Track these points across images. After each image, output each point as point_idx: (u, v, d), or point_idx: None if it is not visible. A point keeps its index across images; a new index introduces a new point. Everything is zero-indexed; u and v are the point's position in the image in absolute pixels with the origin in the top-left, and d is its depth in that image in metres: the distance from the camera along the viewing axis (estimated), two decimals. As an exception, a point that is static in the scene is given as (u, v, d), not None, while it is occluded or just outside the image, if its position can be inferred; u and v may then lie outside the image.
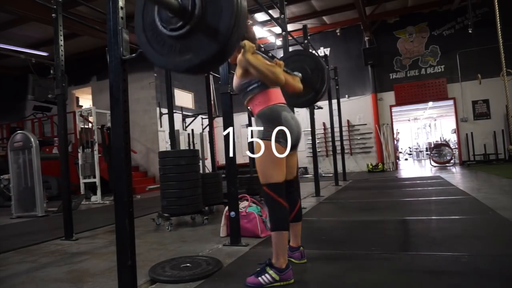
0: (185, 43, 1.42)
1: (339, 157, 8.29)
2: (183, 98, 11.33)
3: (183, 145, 9.25)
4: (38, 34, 9.83)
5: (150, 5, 1.53)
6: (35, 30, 9.42)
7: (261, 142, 2.01)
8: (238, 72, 2.13)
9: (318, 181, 5.84)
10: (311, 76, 2.82)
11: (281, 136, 2.00)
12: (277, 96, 2.13)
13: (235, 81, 2.18)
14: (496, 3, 3.42)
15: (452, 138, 16.14)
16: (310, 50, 6.14)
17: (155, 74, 9.83)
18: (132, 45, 1.80)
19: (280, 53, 6.01)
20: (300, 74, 2.74)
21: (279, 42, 9.94)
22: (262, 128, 2.04)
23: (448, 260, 2.18)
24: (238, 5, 1.33)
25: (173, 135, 5.43)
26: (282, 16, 4.72)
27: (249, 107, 2.18)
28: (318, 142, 11.16)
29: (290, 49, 5.25)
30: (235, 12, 1.32)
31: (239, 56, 2.02)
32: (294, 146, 2.13)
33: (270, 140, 1.99)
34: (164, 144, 9.95)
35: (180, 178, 3.86)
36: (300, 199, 2.33)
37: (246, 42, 1.96)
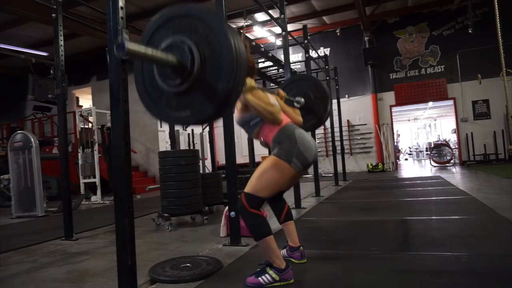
0: (183, 100, 1.40)
1: (339, 157, 8.30)
2: (183, 98, 11.30)
3: (183, 145, 9.24)
4: (38, 34, 9.83)
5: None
6: (35, 30, 9.42)
7: (272, 158, 1.98)
8: (238, 106, 2.12)
9: (318, 181, 5.84)
10: (314, 103, 2.82)
11: (296, 157, 1.94)
12: (285, 117, 2.12)
13: (237, 115, 2.17)
14: (496, 3, 3.42)
15: (452, 138, 16.14)
16: (310, 50, 6.14)
17: (155, 74, 9.80)
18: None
19: (280, 53, 6.01)
20: (302, 100, 2.74)
21: (279, 42, 9.93)
22: (276, 148, 2.00)
23: (448, 260, 2.18)
24: (238, 64, 1.30)
25: (173, 135, 5.44)
26: (282, 16, 4.72)
27: (261, 139, 2.14)
28: (318, 142, 11.16)
29: (290, 49, 5.26)
30: (234, 72, 1.29)
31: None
32: (310, 165, 2.06)
33: (281, 158, 1.94)
34: (164, 144, 9.95)
35: (180, 178, 3.86)
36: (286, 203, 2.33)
37: (247, 80, 1.91)
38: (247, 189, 1.95)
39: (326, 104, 2.86)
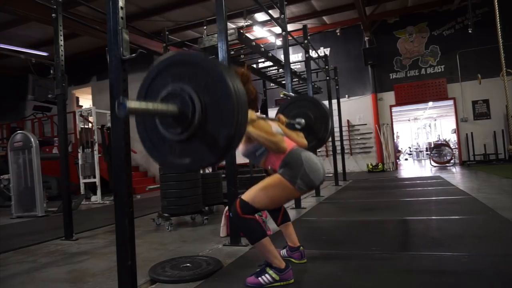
0: (184, 147, 1.41)
1: (339, 157, 8.29)
2: (183, 98, 11.31)
3: (183, 145, 9.23)
4: (38, 34, 9.84)
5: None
6: (35, 30, 9.43)
7: (277, 176, 1.96)
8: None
9: (318, 181, 5.83)
10: (314, 124, 2.81)
11: (301, 178, 1.92)
12: (291, 142, 2.10)
13: (241, 147, 2.15)
14: (496, 3, 3.42)
15: (452, 138, 16.14)
16: (310, 50, 6.14)
17: (155, 74, 9.80)
18: (132, 45, 1.79)
19: (280, 53, 6.01)
20: (303, 121, 2.73)
21: (279, 42, 9.93)
22: (283, 170, 1.98)
23: (448, 260, 2.18)
24: (239, 110, 1.31)
25: (173, 135, 5.43)
26: (282, 16, 4.72)
27: (269, 167, 2.12)
28: (318, 142, 11.14)
29: (290, 49, 5.25)
30: (236, 118, 1.30)
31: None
32: (317, 187, 2.06)
33: (286, 178, 1.93)
34: (164, 144, 9.93)
35: (180, 178, 3.86)
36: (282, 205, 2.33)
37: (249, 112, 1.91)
38: (245, 196, 1.95)
39: (327, 123, 2.84)
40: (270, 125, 2.11)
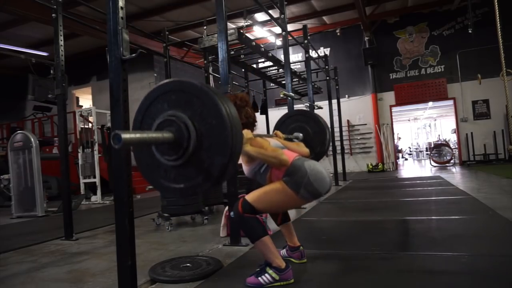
0: (179, 173, 1.43)
1: (339, 157, 8.30)
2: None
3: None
4: (38, 34, 9.83)
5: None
6: (35, 30, 9.43)
7: (281, 183, 1.95)
8: (243, 160, 2.12)
9: (318, 181, 5.83)
10: (313, 138, 2.81)
11: (304, 187, 1.90)
12: (292, 153, 2.08)
13: (245, 169, 2.17)
14: (496, 3, 3.41)
15: (452, 138, 16.14)
16: (310, 50, 6.14)
17: (155, 74, 9.83)
18: (132, 45, 1.79)
19: (280, 53, 6.01)
20: (301, 135, 2.74)
21: (279, 42, 9.93)
22: (289, 177, 1.96)
23: (448, 260, 2.18)
24: (234, 139, 1.33)
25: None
26: (282, 16, 4.72)
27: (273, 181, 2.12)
28: (318, 142, 11.13)
29: (290, 49, 5.25)
30: (230, 147, 1.32)
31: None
32: (323, 195, 2.03)
33: (289, 186, 1.92)
34: (164, 144, 9.93)
35: (180, 178, 3.86)
36: None
37: (244, 132, 1.83)
38: (249, 197, 1.95)
39: (325, 138, 2.84)
40: (268, 141, 2.12)
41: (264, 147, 2.01)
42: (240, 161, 2.12)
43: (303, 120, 2.89)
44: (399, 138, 17.73)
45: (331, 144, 8.02)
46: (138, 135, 1.27)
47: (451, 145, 12.56)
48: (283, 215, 2.30)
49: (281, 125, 2.98)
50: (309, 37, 5.90)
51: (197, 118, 1.36)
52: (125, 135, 1.20)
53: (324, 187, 1.96)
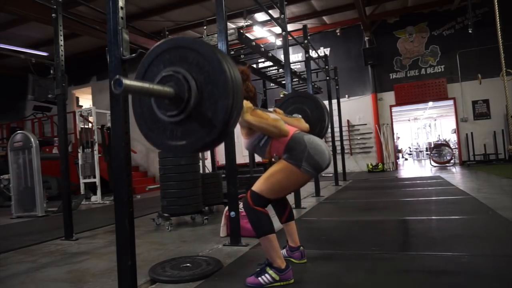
0: (181, 129, 1.42)
1: (339, 157, 8.30)
2: (183, 98, 11.31)
3: (183, 145, 9.22)
4: (38, 34, 9.84)
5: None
6: (35, 30, 9.43)
7: (283, 162, 1.97)
8: (243, 132, 2.12)
9: (318, 181, 5.85)
10: (312, 116, 2.82)
11: (306, 161, 1.92)
12: (291, 127, 2.10)
13: (244, 142, 2.17)
14: (496, 3, 3.41)
15: (452, 138, 16.14)
16: (310, 50, 6.14)
17: (155, 74, 9.80)
18: (132, 45, 1.79)
19: (280, 53, 6.01)
20: (300, 116, 2.74)
21: (279, 42, 9.93)
22: (287, 155, 1.98)
23: (448, 260, 2.18)
24: (233, 80, 1.32)
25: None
26: (282, 16, 4.72)
27: (274, 155, 2.12)
28: (318, 142, 11.13)
29: (290, 49, 5.25)
30: (231, 88, 1.31)
31: (239, 118, 1.99)
32: (324, 169, 2.04)
33: (291, 163, 1.94)
34: (164, 144, 9.93)
35: (180, 178, 3.86)
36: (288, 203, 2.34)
37: (244, 102, 1.90)
38: (254, 187, 1.97)
39: (324, 122, 2.84)
40: (267, 114, 2.12)
41: (265, 118, 2.02)
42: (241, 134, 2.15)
43: (299, 102, 2.90)
44: (398, 137, 17.75)
45: (331, 144, 8.00)
46: (139, 84, 1.27)
47: (451, 145, 12.56)
48: (289, 213, 2.29)
49: (280, 106, 2.98)
50: (309, 37, 5.90)
51: (194, 69, 1.35)
52: (127, 81, 1.19)
53: (324, 160, 1.98)
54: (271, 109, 2.37)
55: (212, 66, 1.32)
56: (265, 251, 1.96)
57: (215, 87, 1.32)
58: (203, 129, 1.36)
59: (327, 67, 7.83)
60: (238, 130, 2.45)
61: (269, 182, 1.96)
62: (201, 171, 4.71)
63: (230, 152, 2.99)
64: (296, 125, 2.25)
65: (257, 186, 1.97)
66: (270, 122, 1.97)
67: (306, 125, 2.33)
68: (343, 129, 10.26)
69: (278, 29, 6.44)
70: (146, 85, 1.29)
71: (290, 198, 4.04)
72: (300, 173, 1.94)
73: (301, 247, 2.31)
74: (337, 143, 8.35)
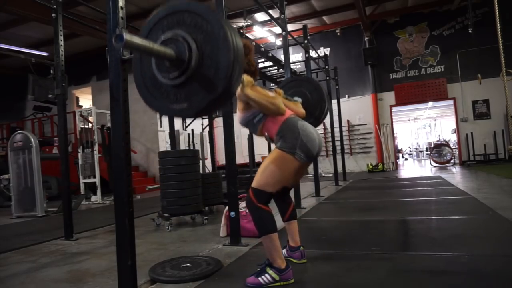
0: (181, 92, 1.41)
1: (339, 157, 8.29)
2: (183, 98, 11.30)
3: (183, 145, 9.25)
4: (38, 34, 9.83)
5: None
6: (35, 30, 9.43)
7: (276, 151, 1.98)
8: (239, 106, 2.12)
9: (318, 181, 5.84)
10: (311, 100, 2.82)
11: (300, 148, 1.95)
12: (287, 110, 2.11)
13: (239, 116, 2.17)
14: (496, 3, 3.41)
15: (452, 138, 16.14)
16: (310, 50, 6.14)
17: (155, 74, 9.80)
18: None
19: (280, 53, 6.01)
20: (300, 100, 2.74)
21: (279, 42, 9.93)
22: (280, 141, 2.00)
23: (448, 260, 2.18)
24: (235, 54, 1.31)
25: (173, 135, 5.44)
26: (282, 16, 4.72)
27: (265, 134, 2.14)
28: (318, 142, 11.13)
29: (290, 49, 5.25)
30: (232, 62, 1.30)
31: (238, 91, 1.98)
32: (315, 158, 2.06)
33: (285, 151, 1.95)
34: (164, 144, 9.95)
35: (180, 178, 3.86)
36: (292, 201, 2.34)
37: (244, 76, 1.93)
38: (254, 184, 1.97)
39: (324, 104, 2.86)
40: (267, 91, 2.13)
41: (264, 94, 2.02)
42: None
43: (298, 85, 2.92)
44: (396, 137, 17.73)
45: (331, 144, 7.98)
46: (141, 40, 1.26)
47: (451, 145, 12.56)
48: (292, 211, 2.28)
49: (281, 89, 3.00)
50: (309, 37, 5.90)
51: (193, 30, 1.35)
52: (128, 36, 1.18)
53: (315, 147, 2.00)
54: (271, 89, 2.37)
55: (211, 24, 1.32)
56: (266, 250, 1.96)
57: (215, 44, 1.32)
58: (207, 88, 1.34)
59: (327, 67, 7.83)
60: (238, 130, 2.46)
61: (266, 174, 1.96)
62: (201, 171, 4.71)
63: (230, 152, 2.99)
64: (293, 108, 2.26)
65: (256, 182, 1.97)
66: (269, 99, 1.98)
67: (302, 111, 2.34)
68: (343, 129, 10.25)
69: (278, 29, 6.44)
70: (147, 43, 1.29)
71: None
72: (295, 160, 1.95)
73: (301, 247, 2.30)
74: (337, 143, 8.35)
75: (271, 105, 1.97)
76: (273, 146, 2.13)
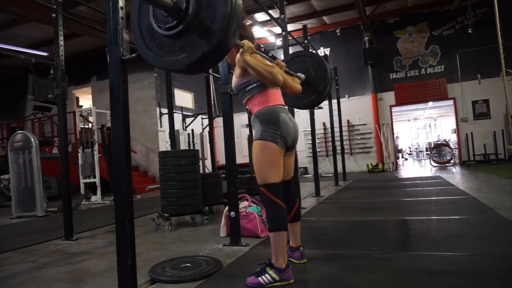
0: (179, 42, 1.40)
1: (339, 157, 8.30)
2: (183, 98, 11.33)
3: (183, 145, 9.25)
4: (38, 34, 9.83)
5: (145, 3, 1.52)
6: (35, 30, 9.42)
7: (259, 142, 2.01)
8: (237, 71, 2.13)
9: (318, 181, 5.84)
10: (314, 76, 2.83)
11: (279, 137, 2.01)
12: (276, 97, 2.13)
13: (234, 80, 2.18)
14: (496, 3, 3.42)
15: (452, 138, 16.14)
16: (310, 50, 6.13)
17: (155, 74, 9.82)
18: (132, 45, 1.79)
19: (280, 53, 6.01)
20: (303, 76, 2.73)
21: (279, 42, 9.94)
22: (259, 128, 2.04)
23: (448, 260, 2.18)
24: (233, 6, 1.31)
25: (173, 135, 5.43)
26: (282, 16, 4.72)
27: (247, 106, 2.18)
28: (318, 142, 11.16)
29: (290, 49, 5.25)
30: (229, 14, 1.29)
31: (238, 56, 2.01)
32: (291, 148, 2.15)
33: (267, 140, 1.99)
34: (164, 144, 9.95)
35: (180, 178, 3.86)
36: (298, 199, 2.34)
37: (245, 41, 1.96)
38: (259, 182, 2.01)
39: (327, 80, 2.86)
40: (267, 61, 2.14)
41: (264, 62, 2.03)
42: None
43: (302, 61, 2.92)
44: (397, 137, 17.75)
45: (331, 144, 7.95)
46: None
47: (451, 145, 12.56)
48: (296, 212, 2.27)
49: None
50: (309, 37, 5.90)
51: None
52: None
53: (291, 139, 2.08)
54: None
55: None
56: (272, 247, 1.96)
57: (213, 7, 1.31)
58: (202, 40, 1.33)
59: (329, 65, 7.81)
60: (238, 130, 2.45)
61: (262, 166, 1.99)
62: (201, 171, 4.71)
63: (230, 152, 2.99)
64: (290, 83, 2.29)
65: (259, 179, 2.00)
66: (267, 67, 1.99)
67: (299, 86, 2.37)
68: (343, 129, 10.26)
69: (278, 29, 6.44)
70: None
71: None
72: (278, 147, 2.00)
73: (301, 247, 2.30)
74: (337, 143, 8.35)
75: (268, 74, 1.97)
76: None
